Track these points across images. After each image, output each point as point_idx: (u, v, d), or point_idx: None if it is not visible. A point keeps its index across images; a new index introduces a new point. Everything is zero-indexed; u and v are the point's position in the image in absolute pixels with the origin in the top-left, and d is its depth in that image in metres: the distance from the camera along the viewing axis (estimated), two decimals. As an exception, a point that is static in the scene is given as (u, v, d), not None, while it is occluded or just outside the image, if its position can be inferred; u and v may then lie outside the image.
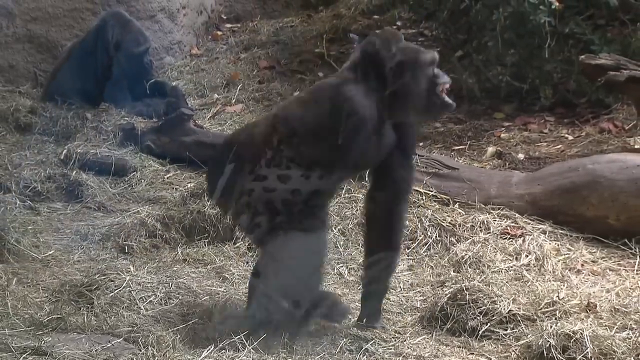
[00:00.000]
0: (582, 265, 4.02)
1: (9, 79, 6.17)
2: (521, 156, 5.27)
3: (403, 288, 3.94)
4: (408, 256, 4.26)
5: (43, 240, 4.06)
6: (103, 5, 6.30)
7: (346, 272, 4.10)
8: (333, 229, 4.43)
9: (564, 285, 3.75)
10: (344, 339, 3.32)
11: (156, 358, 2.86)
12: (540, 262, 3.99)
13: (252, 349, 3.11)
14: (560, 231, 4.30)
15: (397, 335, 3.45)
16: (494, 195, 4.52)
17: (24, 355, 2.73)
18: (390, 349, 3.32)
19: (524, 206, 4.43)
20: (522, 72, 5.83)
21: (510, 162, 5.18)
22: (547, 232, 4.27)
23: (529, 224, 4.33)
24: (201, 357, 2.95)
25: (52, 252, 3.98)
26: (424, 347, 3.34)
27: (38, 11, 6.31)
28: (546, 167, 4.78)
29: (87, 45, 5.89)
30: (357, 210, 4.52)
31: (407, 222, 4.13)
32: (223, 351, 3.08)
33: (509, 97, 5.95)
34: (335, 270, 4.13)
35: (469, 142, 5.61)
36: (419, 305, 3.73)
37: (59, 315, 3.18)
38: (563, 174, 4.43)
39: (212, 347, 3.06)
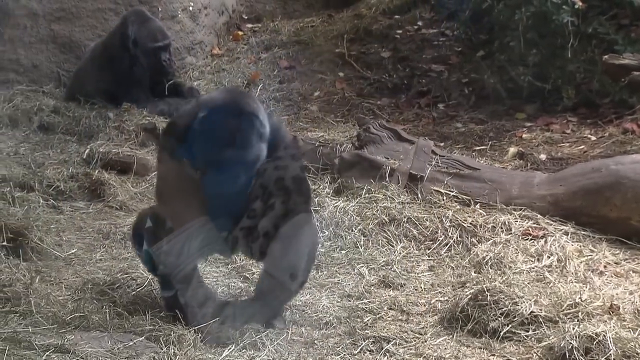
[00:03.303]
0: (605, 266, 3.99)
1: (33, 79, 6.23)
2: (543, 157, 5.23)
3: (424, 289, 3.93)
4: (429, 257, 4.25)
5: (66, 239, 4.09)
6: (126, 5, 6.34)
7: (366, 272, 4.09)
8: (353, 229, 4.44)
9: (586, 287, 3.72)
10: (365, 340, 3.32)
11: (177, 357, 2.86)
12: (563, 264, 3.96)
13: (272, 347, 3.12)
14: (583, 232, 4.27)
15: (417, 336, 3.43)
16: (515, 196, 4.49)
17: (47, 353, 2.74)
18: (410, 349, 3.30)
19: (546, 207, 4.40)
20: (544, 72, 5.80)
21: (532, 163, 5.15)
22: (570, 234, 4.24)
23: (551, 225, 4.30)
24: (222, 356, 2.95)
25: (74, 250, 4.00)
26: (445, 348, 3.32)
27: (61, 11, 6.37)
28: (569, 168, 4.74)
29: (109, 45, 5.94)
30: (378, 210, 4.51)
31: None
32: (244, 350, 3.08)
33: (531, 98, 5.93)
34: (356, 271, 4.12)
35: (490, 142, 5.59)
36: (439, 306, 3.71)
37: (81, 314, 3.20)
38: (586, 174, 4.40)
39: (233, 346, 3.06)
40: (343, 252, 4.31)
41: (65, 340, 2.88)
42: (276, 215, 3.40)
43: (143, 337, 3.04)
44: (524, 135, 5.63)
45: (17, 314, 3.13)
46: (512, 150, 5.36)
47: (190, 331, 3.13)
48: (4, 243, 3.70)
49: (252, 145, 3.40)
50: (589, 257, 4.05)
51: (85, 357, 2.75)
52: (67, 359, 2.72)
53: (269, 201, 3.43)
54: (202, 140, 3.38)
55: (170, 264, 3.35)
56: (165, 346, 2.96)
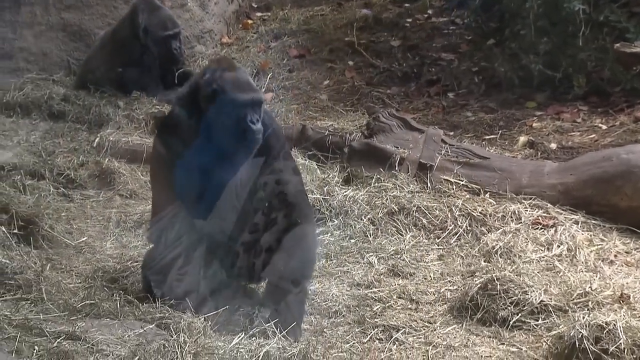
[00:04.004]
0: (616, 256, 3.98)
1: (43, 67, 6.23)
2: (553, 146, 5.21)
3: (433, 277, 3.92)
4: (438, 246, 4.25)
5: (76, 227, 4.10)
6: (136, -7, 6.32)
7: (376, 261, 4.09)
8: (363, 218, 4.43)
9: (596, 276, 3.72)
10: (374, 329, 3.32)
11: (187, 344, 2.86)
12: (573, 253, 3.95)
13: (282, 335, 3.12)
14: (593, 221, 4.26)
15: (427, 324, 3.44)
16: (525, 185, 4.48)
17: (58, 340, 2.76)
18: (420, 338, 3.31)
19: (556, 196, 4.39)
20: (555, 60, 5.76)
21: (542, 152, 5.13)
22: (580, 223, 4.23)
23: (561, 214, 4.29)
24: (232, 344, 2.96)
25: (85, 238, 4.01)
26: (454, 337, 3.33)
27: (71, 0, 6.37)
28: (579, 157, 4.72)
29: (119, 34, 5.94)
30: (387, 199, 4.51)
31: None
32: (253, 338, 3.09)
33: (542, 86, 5.89)
34: (365, 260, 4.12)
35: (500, 131, 5.57)
36: (449, 295, 3.71)
37: (92, 301, 3.21)
38: (596, 163, 4.38)
39: (243, 334, 3.07)
40: (352, 241, 4.32)
41: (76, 327, 2.89)
42: (279, 229, 3.41)
43: (153, 325, 3.05)
44: (534, 124, 5.60)
45: (29, 301, 3.14)
46: (522, 139, 5.33)
47: (199, 319, 3.14)
48: (15, 231, 3.71)
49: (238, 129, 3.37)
50: (599, 246, 4.04)
51: (96, 344, 2.77)
52: (78, 346, 2.73)
53: (271, 215, 3.44)
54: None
55: (148, 255, 3.40)
56: (175, 334, 2.96)
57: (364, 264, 4.08)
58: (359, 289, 3.78)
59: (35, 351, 2.66)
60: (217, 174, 3.38)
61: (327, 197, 4.57)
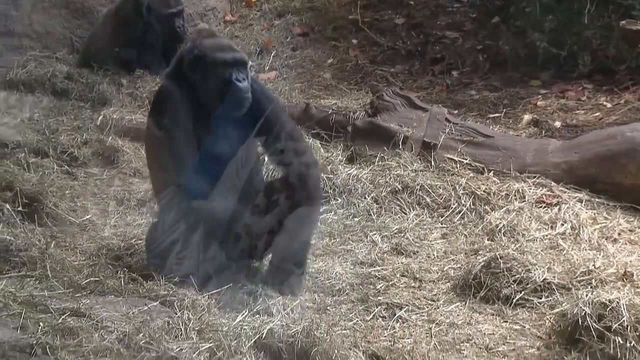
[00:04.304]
0: (619, 234, 3.97)
1: (46, 45, 6.22)
2: (558, 124, 5.20)
3: (437, 256, 3.93)
4: (442, 224, 4.25)
5: (80, 205, 4.10)
6: (139, -29, 6.28)
7: (379, 239, 4.09)
8: (366, 196, 4.43)
9: (600, 254, 3.72)
10: (378, 307, 3.33)
11: (191, 321, 2.87)
12: (576, 231, 3.95)
13: (285, 313, 3.13)
14: (597, 200, 4.26)
15: (430, 302, 3.44)
16: (529, 163, 4.47)
17: (63, 317, 2.77)
18: (423, 316, 3.32)
19: (560, 174, 4.38)
20: (560, 38, 5.74)
21: (546, 130, 5.12)
22: (584, 201, 4.23)
23: (565, 192, 4.28)
24: (236, 321, 2.96)
25: (89, 216, 4.02)
26: (457, 315, 3.33)
27: (75, -23, 6.34)
28: (583, 135, 4.72)
29: (122, 11, 5.92)
30: (391, 178, 4.51)
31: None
32: (257, 316, 3.10)
33: (546, 64, 5.87)
34: (369, 238, 4.13)
35: (504, 109, 5.56)
36: (452, 274, 3.71)
37: (96, 279, 3.22)
38: (601, 141, 4.37)
39: (247, 312, 3.08)
40: (356, 219, 4.32)
41: (81, 304, 2.90)
42: (281, 211, 3.42)
43: (157, 302, 3.06)
44: (538, 103, 5.58)
45: (33, 279, 3.16)
46: (527, 117, 5.32)
47: (204, 296, 3.15)
48: (19, 208, 3.72)
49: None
50: (603, 224, 4.04)
51: (101, 320, 2.77)
52: (82, 323, 2.74)
53: (273, 197, 3.44)
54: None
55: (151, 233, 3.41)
56: (180, 311, 2.97)
57: (367, 242, 4.08)
58: (362, 267, 3.79)
59: (40, 327, 2.66)
60: (212, 145, 3.38)
61: (330, 176, 4.57)
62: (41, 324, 2.70)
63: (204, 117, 3.37)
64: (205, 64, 3.36)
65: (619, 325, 2.84)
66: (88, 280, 3.20)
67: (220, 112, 3.39)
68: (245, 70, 3.40)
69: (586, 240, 3.87)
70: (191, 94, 3.38)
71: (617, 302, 2.88)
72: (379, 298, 3.42)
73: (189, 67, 3.38)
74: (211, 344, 2.72)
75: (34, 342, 2.55)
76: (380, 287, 3.54)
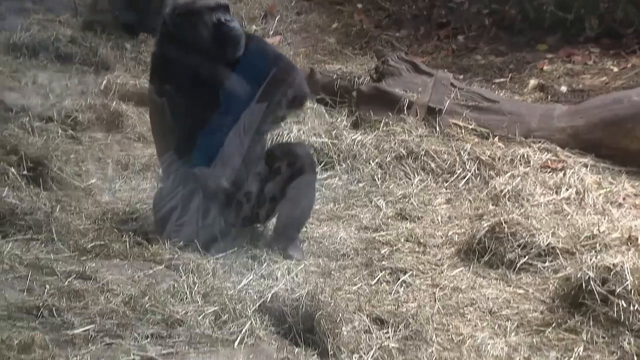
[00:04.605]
0: (624, 198, 3.97)
1: (49, 7, 6.17)
2: (564, 89, 5.18)
3: (441, 221, 3.93)
4: (446, 190, 4.25)
5: (85, 169, 4.10)
6: None
7: (384, 205, 4.10)
8: (371, 162, 4.43)
9: (604, 219, 3.72)
10: (382, 271, 3.34)
11: (197, 285, 2.87)
12: (581, 196, 3.95)
13: (290, 277, 3.15)
14: (602, 164, 4.25)
15: (434, 267, 3.45)
16: (535, 128, 4.46)
17: (69, 279, 2.78)
18: (427, 280, 3.32)
19: (565, 139, 4.37)
20: (567, 1, 5.68)
21: (552, 95, 5.10)
22: (589, 166, 4.22)
23: (570, 157, 4.28)
24: (240, 285, 2.97)
25: (94, 181, 4.01)
26: (461, 279, 3.34)
27: (77, -61, 6.28)
28: (589, 100, 4.70)
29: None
30: (395, 143, 4.50)
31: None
32: (262, 280, 3.11)
33: (553, 28, 5.82)
34: (373, 203, 4.13)
35: (510, 74, 5.53)
36: (456, 239, 3.72)
37: (102, 242, 3.23)
38: (607, 106, 4.35)
39: (251, 276, 3.09)
40: (360, 185, 4.32)
41: (87, 267, 2.91)
42: (283, 179, 3.43)
43: (162, 266, 3.07)
44: (544, 67, 5.55)
45: (39, 242, 3.15)
46: (533, 82, 5.30)
47: (208, 260, 3.16)
48: (24, 172, 3.71)
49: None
50: (608, 189, 4.04)
51: (107, 283, 2.78)
52: (88, 285, 2.75)
53: (275, 165, 3.44)
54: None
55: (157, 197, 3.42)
56: (185, 274, 2.98)
57: (371, 207, 4.08)
58: (366, 232, 3.80)
59: (46, 290, 2.67)
60: (214, 110, 3.36)
61: (335, 141, 4.56)
62: (47, 286, 2.71)
63: (202, 80, 3.35)
64: (189, 17, 3.34)
65: (622, 289, 2.84)
66: (93, 243, 3.21)
67: (217, 61, 3.36)
68: (229, 14, 3.39)
69: (591, 205, 3.87)
70: (184, 54, 3.36)
71: (621, 266, 2.88)
72: (383, 263, 3.43)
73: (175, 27, 3.37)
74: (216, 307, 2.72)
75: (40, 304, 2.56)
76: (385, 252, 3.55)
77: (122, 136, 4.63)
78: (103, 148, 4.45)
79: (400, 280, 3.27)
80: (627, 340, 2.74)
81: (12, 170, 3.65)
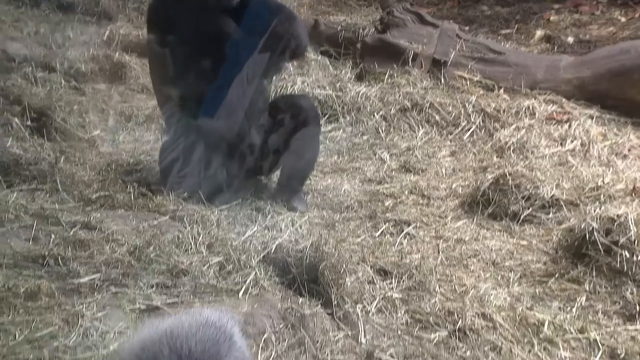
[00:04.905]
0: (629, 150, 3.95)
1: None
2: (570, 39, 5.12)
3: (445, 173, 3.93)
4: (451, 142, 4.24)
5: (88, 120, 4.08)
6: None
7: (388, 157, 4.09)
8: (375, 114, 4.41)
9: (609, 170, 3.71)
10: (386, 223, 3.34)
11: (201, 236, 2.88)
12: (586, 147, 3.94)
13: (294, 229, 3.15)
14: (608, 116, 4.23)
15: (438, 219, 3.45)
16: (540, 79, 4.43)
17: (74, 229, 2.78)
18: (430, 232, 3.33)
19: (571, 91, 4.34)
20: (575, -49, 5.60)
21: (559, 46, 5.05)
22: (594, 117, 4.20)
23: (575, 109, 4.26)
24: (245, 236, 2.98)
25: (97, 132, 4.00)
26: (465, 231, 3.35)
27: None
28: (596, 50, 4.65)
29: None
30: (400, 95, 4.47)
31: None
32: (266, 231, 3.11)
33: (561, -22, 5.75)
34: (377, 156, 4.12)
35: (516, 25, 5.47)
36: (460, 191, 3.71)
37: (106, 193, 3.23)
38: (614, 57, 4.31)
39: (256, 227, 3.09)
40: (364, 137, 4.31)
41: (92, 217, 2.91)
42: (286, 131, 3.41)
43: (167, 217, 3.06)
44: (551, 18, 5.49)
45: (44, 192, 3.16)
46: (539, 33, 5.24)
47: (213, 212, 3.16)
48: (28, 123, 3.70)
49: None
50: (613, 140, 4.02)
51: (112, 234, 2.79)
52: (93, 235, 2.75)
53: (278, 117, 3.41)
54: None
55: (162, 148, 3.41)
56: (189, 225, 2.97)
57: (376, 160, 4.08)
58: (370, 185, 3.80)
59: (51, 239, 2.68)
60: (216, 61, 3.33)
61: (339, 94, 4.54)
62: (52, 235, 2.72)
63: (201, 29, 3.31)
64: None
65: (626, 239, 2.84)
66: (98, 194, 3.21)
67: (216, 9, 3.31)
68: None
69: (596, 157, 3.86)
70: (182, 3, 3.31)
71: (625, 217, 2.88)
72: (387, 215, 3.43)
73: None
74: (220, 258, 2.73)
75: (46, 253, 2.57)
76: (389, 204, 3.55)
77: (125, 87, 4.61)
78: (106, 99, 4.43)
79: (404, 232, 3.28)
80: (629, 290, 2.76)
81: (16, 120, 3.64)
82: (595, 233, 2.89)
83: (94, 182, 3.33)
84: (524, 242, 3.25)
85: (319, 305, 2.57)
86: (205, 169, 3.33)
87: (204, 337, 1.52)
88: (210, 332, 1.55)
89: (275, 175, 3.60)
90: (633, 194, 3.40)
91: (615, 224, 2.88)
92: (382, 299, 2.69)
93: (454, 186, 3.76)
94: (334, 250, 2.75)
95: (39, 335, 2.14)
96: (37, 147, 3.43)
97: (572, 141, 3.99)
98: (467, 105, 4.34)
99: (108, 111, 4.27)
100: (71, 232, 2.76)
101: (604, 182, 3.47)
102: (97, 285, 2.45)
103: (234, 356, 1.57)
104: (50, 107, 3.84)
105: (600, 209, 3.04)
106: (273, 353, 2.30)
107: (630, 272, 2.80)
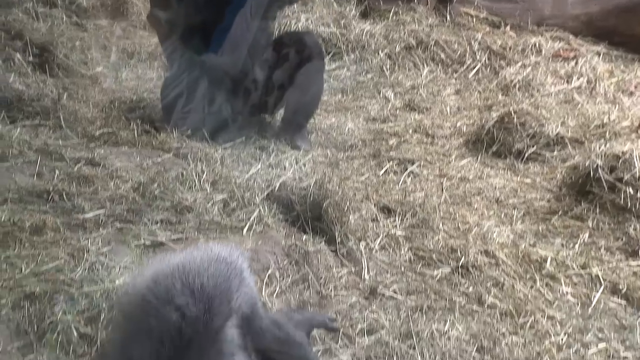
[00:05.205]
0: (636, 87, 3.93)
1: None
2: (579, -25, 5.03)
3: (450, 112, 3.91)
4: (456, 80, 4.21)
5: (91, 57, 4.05)
6: None
7: (392, 96, 4.06)
8: (379, 52, 4.37)
9: (615, 107, 3.69)
10: (390, 162, 3.34)
11: (205, 173, 2.87)
12: (592, 85, 3.91)
13: (298, 167, 3.15)
14: (615, 52, 4.19)
15: (442, 157, 3.45)
16: (548, 16, 4.37)
17: (78, 165, 2.78)
18: (434, 170, 3.33)
19: (579, 27, 4.29)
20: None
21: (566, -19, 4.96)
22: (601, 54, 4.16)
23: (582, 45, 4.22)
24: (249, 174, 2.98)
25: (100, 69, 3.98)
26: (469, 169, 3.35)
27: None
28: (605, -15, 4.58)
29: None
30: (405, 33, 4.42)
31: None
32: (270, 169, 3.12)
33: None
34: (382, 94, 4.10)
35: (523, -39, 5.37)
36: (465, 129, 3.70)
37: (109, 130, 3.22)
38: (623, -8, 4.26)
39: (260, 165, 3.09)
40: (369, 76, 4.28)
41: (95, 154, 2.91)
42: (291, 66, 3.37)
43: (171, 154, 3.06)
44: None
45: (47, 128, 3.15)
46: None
47: (217, 149, 3.16)
48: (30, 58, 3.67)
49: None
50: (620, 77, 3.99)
51: (116, 170, 2.78)
52: (97, 171, 2.75)
53: (282, 52, 3.37)
54: None
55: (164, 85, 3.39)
56: (193, 163, 2.97)
57: (380, 98, 4.06)
58: (374, 124, 3.79)
59: (55, 175, 2.68)
60: None
61: (343, 31, 4.49)
62: (57, 171, 2.71)
63: None
64: None
65: (630, 176, 2.84)
66: (101, 131, 3.20)
67: None
68: None
69: (602, 94, 3.84)
70: None
71: (630, 154, 2.87)
72: (391, 153, 3.43)
73: None
74: (224, 195, 2.73)
75: (51, 188, 2.57)
76: (393, 143, 3.54)
77: (127, 24, 4.56)
78: (108, 36, 4.39)
79: (408, 170, 3.28)
80: (632, 226, 2.77)
81: (18, 56, 3.61)
82: (599, 170, 2.89)
83: (97, 119, 3.32)
84: (528, 180, 3.25)
85: (323, 243, 2.59)
86: (208, 105, 3.32)
87: (215, 272, 1.54)
88: (222, 267, 1.57)
89: (279, 114, 3.58)
90: (638, 131, 3.39)
91: (620, 160, 2.88)
92: (385, 236, 2.71)
93: (458, 124, 3.75)
94: (337, 188, 2.75)
95: (45, 269, 2.15)
96: (39, 83, 3.41)
97: (578, 78, 3.96)
98: (472, 42, 4.30)
99: (110, 48, 4.23)
100: (75, 168, 2.76)
101: (609, 119, 3.46)
102: (101, 220, 2.46)
103: (243, 292, 1.59)
104: (52, 43, 3.80)
105: (605, 146, 3.03)
106: (277, 289, 2.32)
107: (633, 209, 2.80)
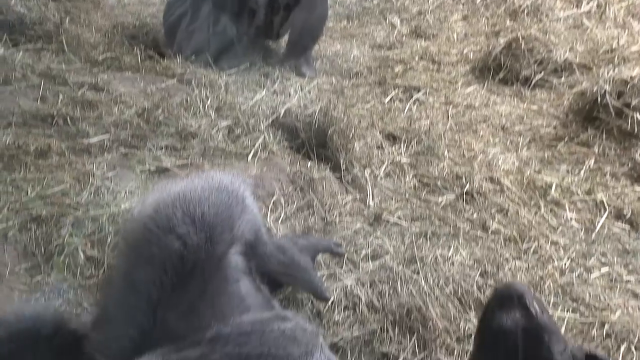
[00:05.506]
0: (645, 10, 3.87)
1: None
2: None
3: (456, 39, 3.86)
4: (463, 6, 4.14)
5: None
6: None
7: (398, 22, 4.01)
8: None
9: (624, 32, 3.63)
10: (395, 89, 3.31)
11: (209, 99, 2.86)
12: (602, 9, 3.85)
13: (303, 94, 3.12)
14: (626, -25, 4.10)
15: (448, 84, 3.42)
16: (559, -62, 4.26)
17: (81, 90, 2.76)
18: (440, 98, 3.31)
19: (591, -51, 4.19)
20: None
21: None
22: (612, -23, 4.08)
23: (593, -31, 4.13)
24: (254, 100, 2.96)
25: (102, -7, 3.92)
26: (475, 97, 3.32)
27: None
28: None
29: None
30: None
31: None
32: (274, 95, 3.09)
33: None
34: (388, 21, 4.04)
35: None
36: (471, 56, 3.66)
37: (113, 55, 3.19)
38: None
39: (264, 92, 3.07)
40: (375, 2, 4.22)
41: (99, 78, 2.89)
42: None
43: (175, 80, 3.04)
44: None
45: (50, 52, 3.12)
46: None
47: (221, 76, 3.13)
48: (31, -19, 3.61)
49: None
50: (630, 1, 3.92)
51: (119, 95, 2.77)
52: (101, 96, 2.74)
53: None
54: None
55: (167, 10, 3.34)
56: (197, 89, 2.95)
57: (386, 25, 4.01)
58: (380, 51, 3.74)
59: (59, 99, 2.67)
60: None
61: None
62: (60, 95, 2.70)
63: None
64: None
65: (638, 101, 2.80)
66: (104, 55, 3.17)
67: None
68: None
69: (611, 19, 3.77)
70: None
71: (638, 79, 2.83)
72: (396, 81, 3.40)
73: None
74: (229, 122, 2.72)
75: (55, 112, 2.56)
76: (398, 70, 3.51)
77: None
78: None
79: (414, 98, 3.25)
80: (638, 152, 2.75)
81: (19, -23, 3.55)
82: (607, 95, 2.86)
83: (100, 43, 3.29)
84: (535, 107, 3.23)
85: (328, 169, 2.59)
86: (213, 25, 3.27)
87: (216, 200, 1.54)
88: (223, 196, 1.56)
89: (284, 41, 3.54)
90: (647, 56, 3.35)
91: (628, 86, 2.84)
92: (390, 163, 2.71)
93: (465, 51, 3.70)
94: (342, 115, 2.74)
95: (51, 192, 2.16)
96: (41, 6, 3.35)
97: (587, 3, 3.89)
98: (480, -30, 4.21)
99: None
100: (79, 93, 2.74)
101: (618, 44, 3.40)
102: (106, 145, 2.46)
103: (246, 219, 1.60)
104: (53, -35, 3.74)
105: (613, 71, 2.98)
106: (282, 215, 2.33)
107: (640, 135, 2.79)
